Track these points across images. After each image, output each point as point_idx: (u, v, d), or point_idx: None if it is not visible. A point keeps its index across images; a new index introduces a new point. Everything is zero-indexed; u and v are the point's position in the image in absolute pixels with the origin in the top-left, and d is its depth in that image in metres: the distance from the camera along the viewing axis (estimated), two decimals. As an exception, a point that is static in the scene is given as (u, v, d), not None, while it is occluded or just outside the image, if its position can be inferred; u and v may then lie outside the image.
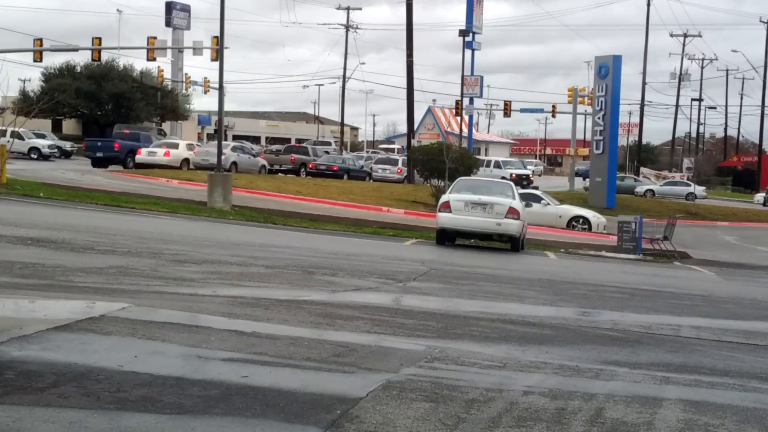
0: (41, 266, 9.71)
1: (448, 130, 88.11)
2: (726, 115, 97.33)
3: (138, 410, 4.66)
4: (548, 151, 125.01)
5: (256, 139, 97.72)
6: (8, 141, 27.94)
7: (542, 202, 30.32)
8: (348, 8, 75.64)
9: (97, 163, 42.84)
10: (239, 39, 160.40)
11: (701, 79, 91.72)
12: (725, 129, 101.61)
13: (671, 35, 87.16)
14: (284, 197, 31.25)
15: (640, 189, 61.16)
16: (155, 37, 48.60)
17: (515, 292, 11.90)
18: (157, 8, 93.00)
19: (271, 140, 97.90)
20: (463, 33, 56.34)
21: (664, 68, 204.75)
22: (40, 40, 47.98)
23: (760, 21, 77.36)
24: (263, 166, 45.75)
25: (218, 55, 32.88)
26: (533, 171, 67.35)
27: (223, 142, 48.84)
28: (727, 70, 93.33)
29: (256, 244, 15.82)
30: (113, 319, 6.82)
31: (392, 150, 77.53)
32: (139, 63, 69.77)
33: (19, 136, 31.76)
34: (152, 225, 18.27)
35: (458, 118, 62.34)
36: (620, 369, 6.87)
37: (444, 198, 20.44)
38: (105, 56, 58.80)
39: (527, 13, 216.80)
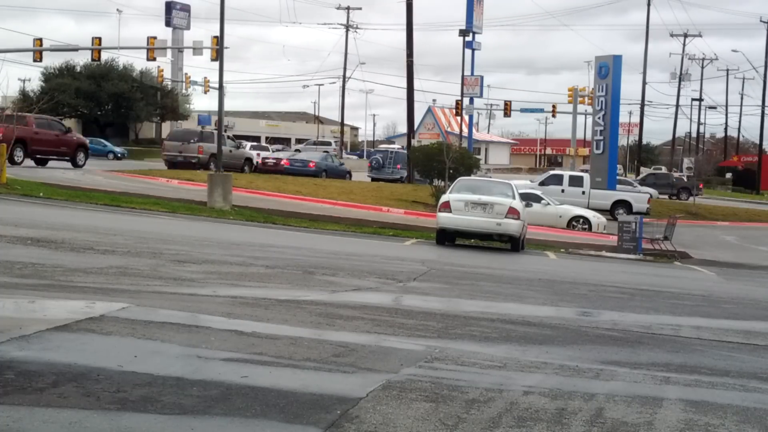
0: (41, 266, 9.70)
1: (448, 130, 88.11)
2: (726, 114, 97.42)
3: (138, 410, 4.65)
4: (548, 150, 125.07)
5: (256, 139, 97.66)
6: None
7: (542, 202, 30.32)
8: (348, 8, 75.70)
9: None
10: (239, 39, 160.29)
11: (701, 79, 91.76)
12: (725, 129, 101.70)
13: (671, 35, 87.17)
14: (284, 197, 31.22)
15: None
16: (155, 37, 48.61)
17: (515, 292, 11.90)
18: (157, 8, 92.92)
19: (271, 140, 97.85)
20: (463, 33, 56.31)
21: (664, 68, 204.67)
22: (40, 40, 47.97)
23: (761, 21, 77.31)
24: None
25: (218, 55, 32.89)
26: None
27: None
28: (728, 70, 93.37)
29: (256, 244, 15.82)
30: (113, 319, 6.82)
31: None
32: (139, 63, 69.82)
33: None
34: (152, 225, 18.26)
35: (458, 118, 62.35)
36: (620, 369, 6.86)
37: (444, 198, 20.44)
38: (105, 56, 58.91)
39: (528, 13, 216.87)
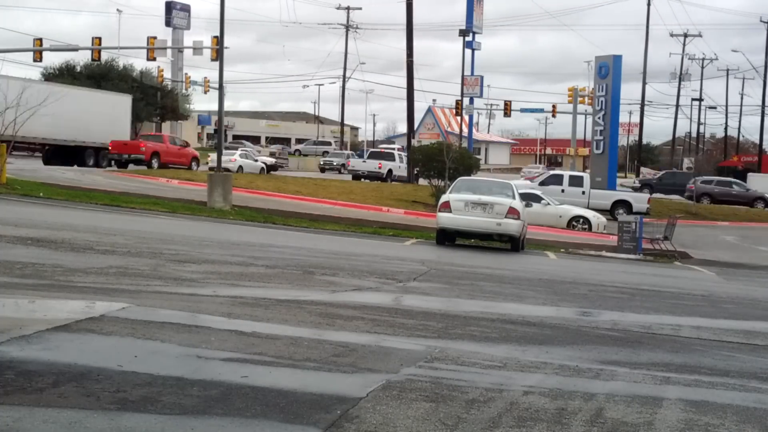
0: (41, 266, 9.70)
1: (448, 129, 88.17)
2: (726, 114, 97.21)
3: (138, 410, 4.65)
4: (548, 151, 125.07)
5: (256, 139, 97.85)
6: None
7: (542, 202, 30.30)
8: (348, 8, 75.71)
9: None
10: (239, 39, 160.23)
11: (701, 79, 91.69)
12: (725, 129, 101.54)
13: (671, 35, 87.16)
14: (284, 197, 31.24)
15: None
16: (155, 37, 48.58)
17: (515, 292, 11.90)
18: (157, 8, 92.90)
19: (271, 140, 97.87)
20: (463, 33, 56.27)
21: (664, 68, 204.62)
22: (40, 39, 47.93)
23: (761, 21, 77.27)
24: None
25: (218, 55, 32.89)
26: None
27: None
28: (728, 70, 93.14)
29: (256, 244, 15.81)
30: (113, 319, 6.82)
31: (392, 150, 77.59)
32: (139, 63, 69.75)
33: None
34: (152, 225, 18.26)
35: (458, 118, 62.35)
36: (620, 369, 6.86)
37: (444, 198, 20.43)
38: (105, 56, 58.81)
39: (527, 13, 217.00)
